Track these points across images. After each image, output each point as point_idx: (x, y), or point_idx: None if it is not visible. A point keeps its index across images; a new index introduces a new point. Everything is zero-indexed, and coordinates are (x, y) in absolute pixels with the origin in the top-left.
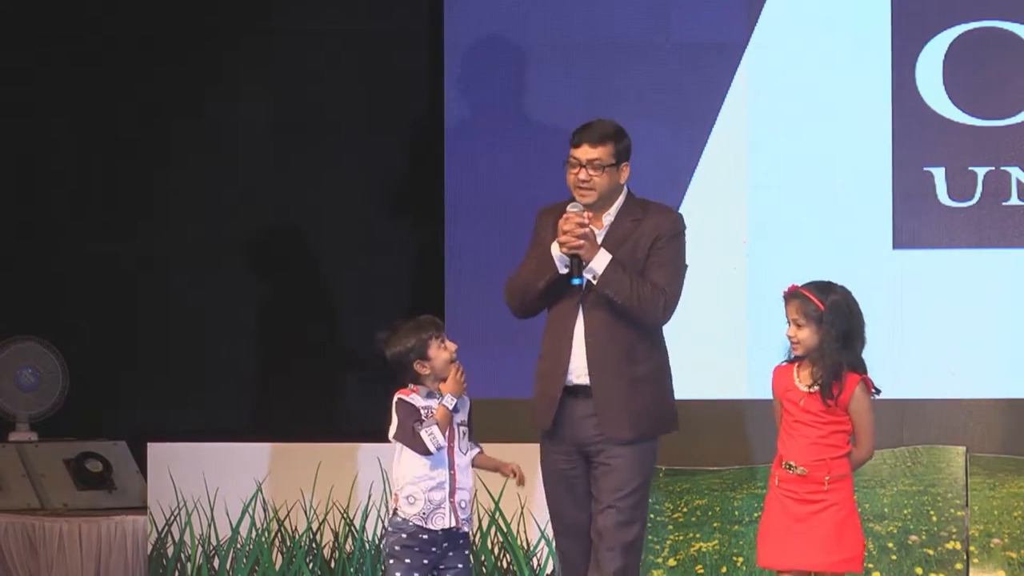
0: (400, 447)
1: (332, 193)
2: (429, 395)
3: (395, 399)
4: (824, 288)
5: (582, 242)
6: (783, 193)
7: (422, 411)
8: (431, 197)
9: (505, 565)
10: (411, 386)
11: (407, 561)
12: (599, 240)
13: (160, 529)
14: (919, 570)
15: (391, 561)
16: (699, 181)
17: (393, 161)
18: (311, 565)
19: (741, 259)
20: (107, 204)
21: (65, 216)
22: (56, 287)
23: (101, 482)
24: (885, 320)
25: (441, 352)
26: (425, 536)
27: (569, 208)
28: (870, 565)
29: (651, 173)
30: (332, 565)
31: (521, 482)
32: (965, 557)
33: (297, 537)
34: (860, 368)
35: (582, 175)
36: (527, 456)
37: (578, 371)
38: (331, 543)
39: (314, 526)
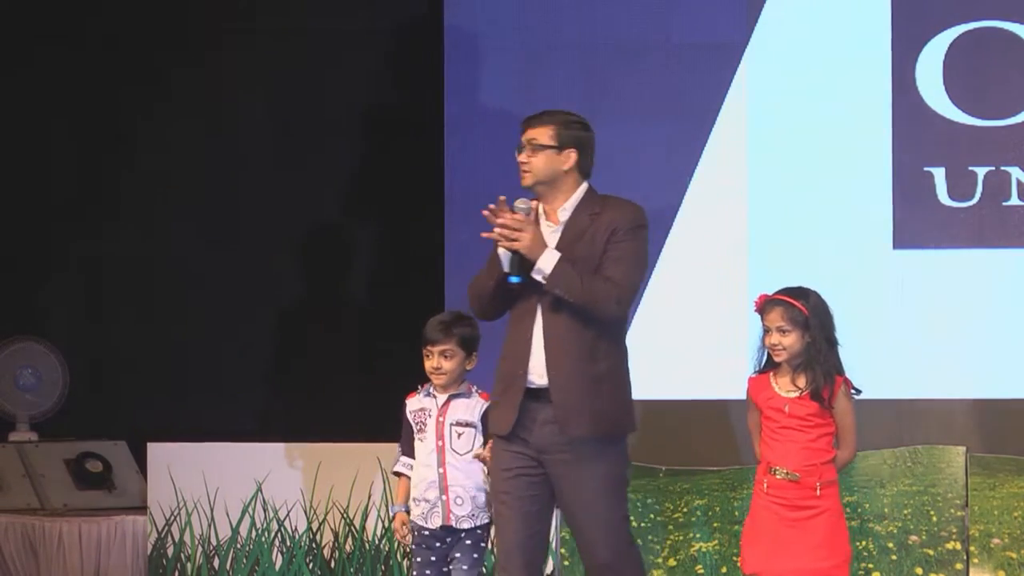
0: None
1: (332, 193)
2: (428, 394)
3: None
4: (802, 293)
5: (518, 236)
6: (783, 193)
7: (411, 416)
8: (431, 197)
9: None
10: (422, 385)
11: (418, 559)
12: (557, 235)
13: (160, 529)
14: (919, 570)
15: (409, 562)
16: (699, 181)
17: (393, 161)
18: (311, 565)
19: (741, 259)
20: (107, 203)
21: (65, 216)
22: (56, 287)
23: (101, 482)
24: (885, 320)
25: (425, 361)
26: (427, 533)
27: (517, 204)
28: (870, 565)
29: (651, 173)
30: (332, 565)
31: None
32: (965, 557)
33: (297, 537)
34: (840, 369)
35: (522, 156)
36: None
37: (538, 372)
38: (331, 543)
39: (314, 526)
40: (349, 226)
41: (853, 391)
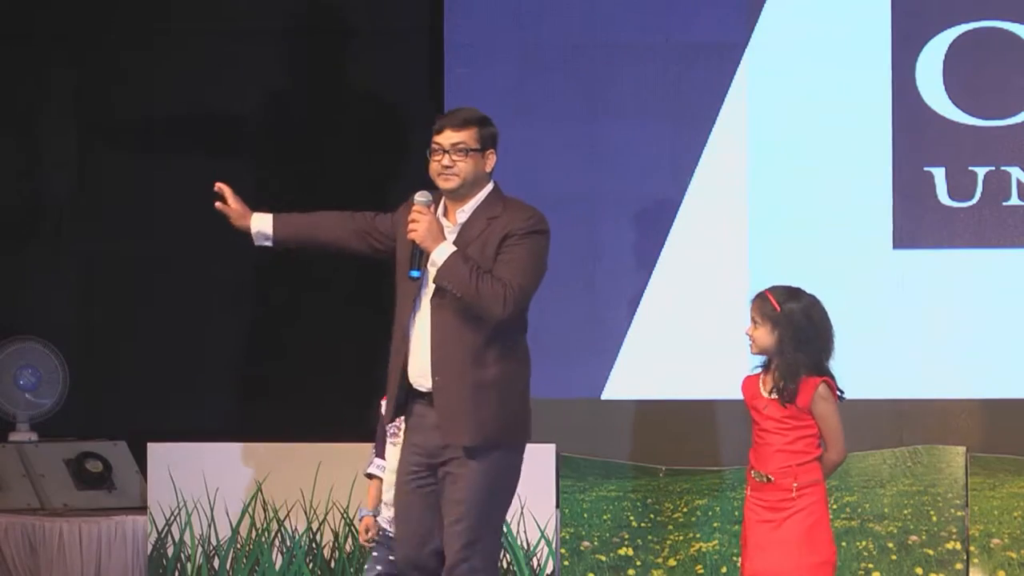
0: None
1: (332, 193)
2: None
3: None
4: (788, 293)
5: (413, 228)
6: (783, 193)
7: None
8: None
9: (505, 565)
10: None
11: (375, 554)
12: (452, 236)
13: (160, 529)
14: (919, 570)
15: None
16: (699, 181)
17: (393, 161)
18: (311, 565)
19: (741, 259)
20: (107, 203)
21: (65, 215)
22: (56, 287)
23: (101, 482)
24: (885, 320)
25: None
26: (391, 535)
27: (417, 197)
28: (870, 565)
29: (651, 173)
30: (332, 565)
31: None
32: (965, 557)
33: (297, 537)
34: (824, 372)
35: (445, 160)
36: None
37: (424, 374)
38: (331, 543)
39: (314, 526)
40: None
41: (839, 394)
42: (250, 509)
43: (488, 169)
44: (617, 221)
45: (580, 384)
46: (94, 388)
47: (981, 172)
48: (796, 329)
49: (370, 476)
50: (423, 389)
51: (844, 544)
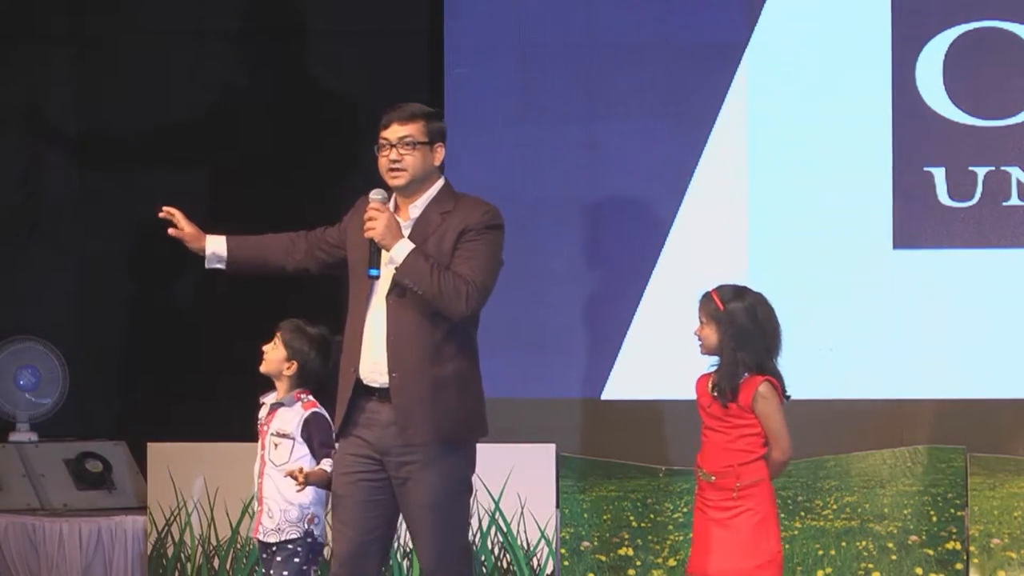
0: None
1: (332, 193)
2: (263, 404)
3: None
4: (733, 292)
5: (371, 225)
6: (783, 193)
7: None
8: None
9: (505, 565)
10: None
11: (259, 567)
12: (407, 232)
13: (160, 529)
14: (919, 570)
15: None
16: (699, 181)
17: None
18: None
19: (741, 259)
20: (107, 203)
21: (65, 215)
22: (56, 287)
23: (101, 482)
24: (885, 320)
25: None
26: (257, 543)
27: (372, 195)
28: (870, 565)
29: (651, 173)
30: None
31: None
32: (965, 557)
33: None
34: (767, 371)
35: (393, 155)
36: (528, 455)
37: (378, 371)
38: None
39: None
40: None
41: (785, 394)
42: (250, 509)
43: (437, 163)
44: (617, 221)
45: (580, 384)
46: (94, 388)
47: (981, 172)
48: (738, 328)
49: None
50: (375, 385)
51: (844, 544)
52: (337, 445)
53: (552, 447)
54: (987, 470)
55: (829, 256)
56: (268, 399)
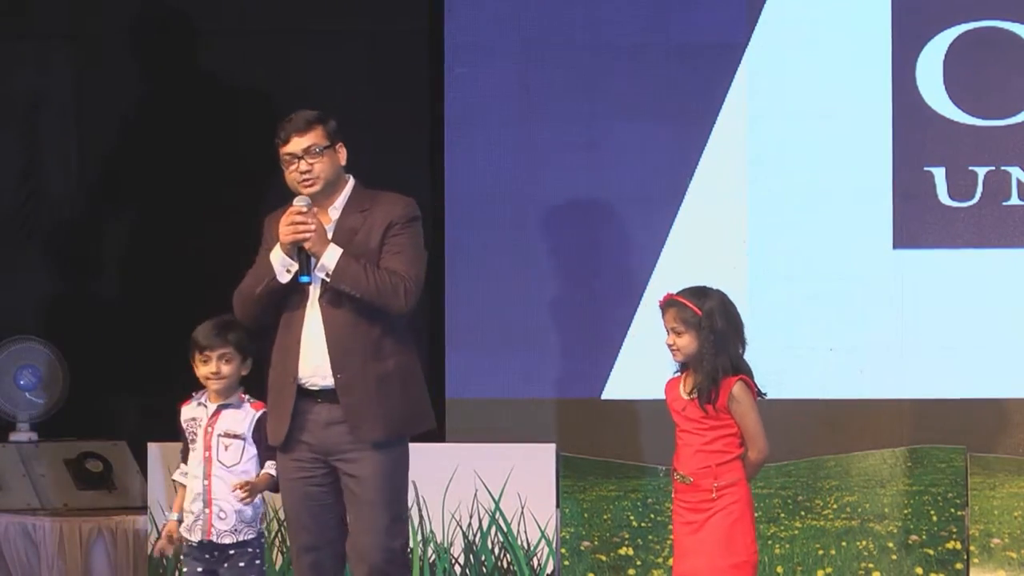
0: None
1: None
2: (200, 403)
3: None
4: (700, 293)
5: (307, 230)
6: (783, 193)
7: (184, 425)
8: (431, 198)
9: (505, 565)
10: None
11: (184, 570)
12: (330, 234)
13: (160, 529)
14: (919, 570)
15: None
16: (699, 181)
17: (393, 161)
18: None
19: (741, 259)
20: (107, 203)
21: (65, 215)
22: (56, 287)
23: (101, 482)
24: (885, 320)
25: (199, 366)
26: (195, 545)
27: (297, 201)
28: (870, 565)
29: (651, 173)
30: None
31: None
32: (965, 557)
33: None
34: (741, 370)
35: (302, 167)
36: (528, 455)
37: (320, 373)
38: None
39: None
40: None
41: (757, 392)
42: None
43: (343, 162)
44: (617, 221)
45: (580, 384)
46: (94, 388)
47: (981, 172)
48: (717, 330)
49: (176, 482)
50: (316, 388)
51: (844, 544)
52: (279, 454)
53: (552, 447)
54: (987, 470)
55: (828, 256)
56: (203, 400)
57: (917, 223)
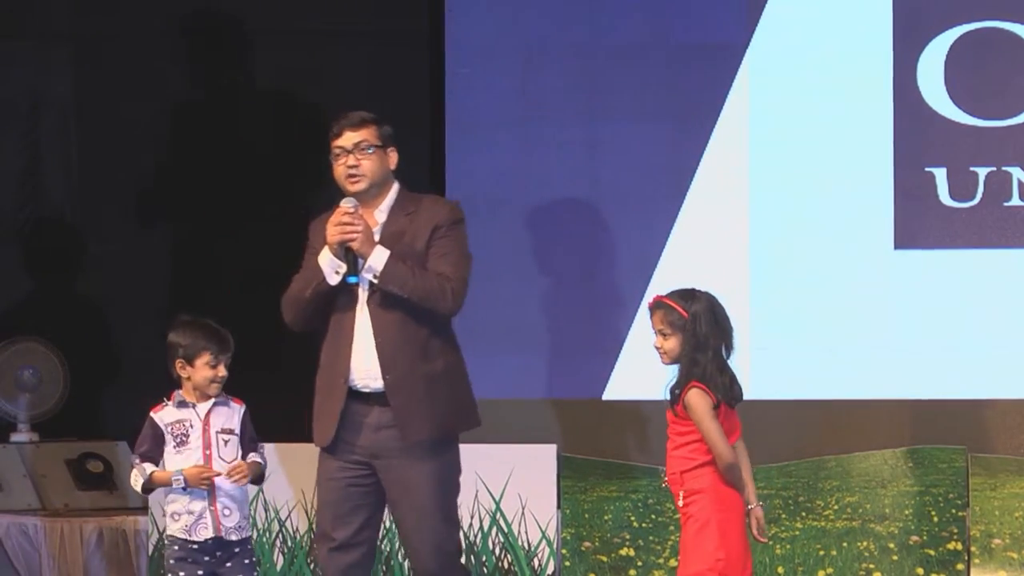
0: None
1: (332, 192)
2: (182, 404)
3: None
4: (687, 296)
5: (355, 231)
6: (784, 193)
7: (167, 429)
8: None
9: (506, 565)
10: (170, 396)
11: (181, 574)
12: (376, 237)
13: (161, 529)
14: (920, 570)
15: None
16: (700, 181)
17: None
18: (312, 566)
19: (741, 259)
20: (107, 202)
21: (65, 215)
22: (56, 287)
23: (101, 482)
24: (885, 320)
25: (205, 370)
26: (195, 547)
27: (344, 204)
28: (871, 565)
29: (651, 173)
30: None
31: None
32: (966, 557)
33: (298, 538)
34: (708, 376)
35: (350, 161)
36: (529, 456)
37: (371, 375)
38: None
39: (315, 526)
40: None
41: (728, 400)
42: (251, 509)
43: (392, 166)
44: (617, 221)
45: (581, 384)
46: (94, 388)
47: (982, 172)
48: (699, 334)
49: (149, 490)
50: (367, 390)
51: (845, 544)
52: (322, 454)
53: (553, 447)
54: (988, 470)
55: (829, 256)
56: (183, 401)
57: (918, 223)
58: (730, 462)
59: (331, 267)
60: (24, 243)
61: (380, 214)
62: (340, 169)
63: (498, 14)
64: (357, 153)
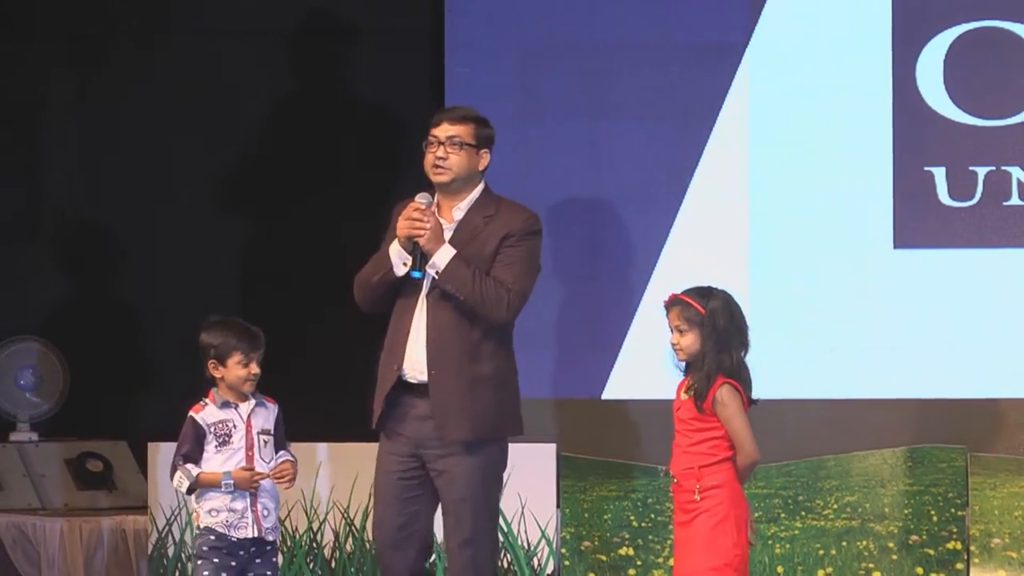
0: None
1: (333, 193)
2: (225, 405)
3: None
4: (704, 292)
5: (422, 228)
6: (784, 193)
7: (210, 428)
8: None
9: (506, 565)
10: (208, 396)
11: (215, 561)
12: (449, 234)
13: (160, 529)
14: (920, 570)
15: (199, 561)
16: (700, 181)
17: (394, 162)
18: (312, 565)
19: (741, 259)
20: (107, 202)
21: (65, 215)
22: (56, 287)
23: (101, 482)
24: (885, 320)
25: (238, 369)
26: (234, 540)
27: (418, 198)
28: (871, 565)
29: (651, 173)
30: (333, 565)
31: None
32: (966, 557)
33: (297, 537)
34: (733, 373)
35: (440, 152)
36: (529, 455)
37: (419, 368)
38: (331, 543)
39: (314, 526)
40: (349, 226)
41: (750, 398)
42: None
43: (481, 168)
44: (617, 221)
45: (581, 384)
46: (94, 388)
47: (982, 172)
48: (719, 330)
49: (192, 491)
50: (415, 382)
51: (845, 544)
52: (382, 439)
53: (553, 447)
54: (987, 470)
55: (829, 256)
56: (226, 401)
57: (917, 223)
58: (757, 459)
59: (399, 259)
60: (24, 243)
61: (458, 211)
62: (429, 158)
63: (498, 14)
64: (448, 146)
